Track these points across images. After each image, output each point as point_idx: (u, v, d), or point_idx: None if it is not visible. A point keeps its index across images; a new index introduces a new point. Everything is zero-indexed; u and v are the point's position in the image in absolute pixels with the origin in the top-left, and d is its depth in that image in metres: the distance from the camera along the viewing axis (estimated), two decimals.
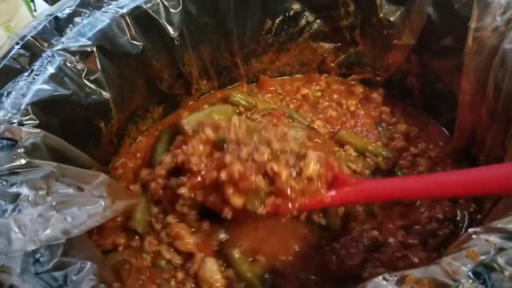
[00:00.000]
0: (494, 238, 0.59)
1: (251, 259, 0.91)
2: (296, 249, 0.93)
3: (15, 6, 1.72)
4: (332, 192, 0.84)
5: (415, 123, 1.16)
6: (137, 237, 0.92)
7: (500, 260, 0.56)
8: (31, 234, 0.63)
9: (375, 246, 0.93)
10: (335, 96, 1.21)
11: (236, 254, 0.90)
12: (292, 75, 1.26)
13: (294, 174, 0.83)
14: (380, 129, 1.15)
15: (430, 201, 0.98)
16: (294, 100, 1.20)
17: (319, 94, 1.22)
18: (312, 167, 0.82)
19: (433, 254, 0.91)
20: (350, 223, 0.96)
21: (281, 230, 0.95)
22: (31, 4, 1.85)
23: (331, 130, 1.14)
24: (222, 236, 0.93)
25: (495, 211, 0.78)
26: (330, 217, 0.96)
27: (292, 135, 0.90)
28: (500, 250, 0.57)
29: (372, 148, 1.09)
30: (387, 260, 0.90)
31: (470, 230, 0.62)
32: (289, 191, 0.82)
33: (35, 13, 1.85)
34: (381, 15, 1.07)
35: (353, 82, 1.25)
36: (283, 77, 1.26)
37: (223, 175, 0.82)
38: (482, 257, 0.57)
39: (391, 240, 0.93)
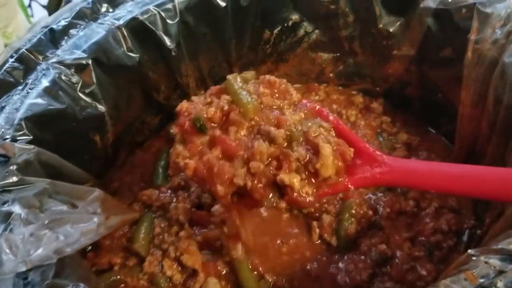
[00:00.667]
0: (493, 260, 0.58)
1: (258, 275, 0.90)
2: (304, 265, 0.92)
3: (12, 13, 1.72)
4: (356, 175, 0.76)
5: (416, 133, 1.15)
6: (134, 257, 0.90)
7: (500, 284, 0.55)
8: (23, 255, 0.62)
9: (383, 260, 0.92)
10: (335, 106, 1.20)
11: (245, 269, 0.89)
12: (291, 85, 1.24)
13: (307, 178, 0.75)
14: (381, 139, 1.14)
15: (434, 212, 0.98)
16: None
17: (318, 103, 1.21)
18: (330, 166, 0.73)
19: (441, 266, 0.90)
20: (359, 238, 0.95)
21: (289, 247, 0.95)
22: (28, 10, 1.85)
23: None
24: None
25: (495, 228, 0.77)
26: (341, 237, 0.95)
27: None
28: (500, 273, 0.56)
29: None
30: (396, 274, 0.89)
31: (470, 251, 0.61)
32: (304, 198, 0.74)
33: (32, 19, 1.84)
34: (380, 25, 1.06)
35: (353, 92, 1.24)
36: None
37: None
38: (481, 280, 0.56)
39: (398, 253, 0.92)
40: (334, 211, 0.98)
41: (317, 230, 0.96)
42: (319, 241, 0.96)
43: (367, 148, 0.79)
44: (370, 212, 0.98)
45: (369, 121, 1.18)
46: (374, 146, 1.11)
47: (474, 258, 0.60)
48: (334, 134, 0.79)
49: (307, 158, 0.74)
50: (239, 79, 0.83)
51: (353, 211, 0.97)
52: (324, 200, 0.99)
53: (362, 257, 0.92)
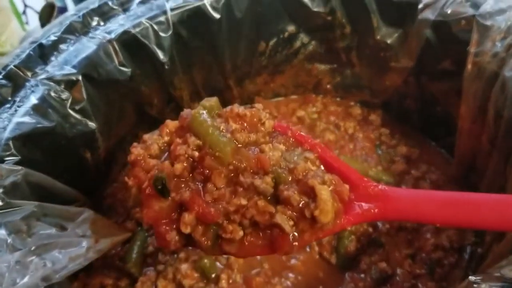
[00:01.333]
0: None
1: None
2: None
3: (6, 20, 1.69)
4: (352, 212, 0.66)
5: (416, 145, 1.13)
6: (126, 277, 0.88)
7: None
8: (8, 284, 0.60)
9: (383, 278, 0.90)
10: (332, 118, 1.19)
11: None
12: (287, 96, 1.23)
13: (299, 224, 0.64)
14: (380, 152, 1.13)
15: (435, 227, 0.96)
16: (290, 123, 1.17)
17: (315, 116, 1.19)
18: (330, 212, 0.62)
19: (443, 284, 0.88)
20: (359, 255, 0.94)
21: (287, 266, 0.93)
22: (23, 17, 1.83)
23: None
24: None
25: (497, 249, 0.75)
26: (340, 255, 0.93)
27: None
28: None
29: (373, 173, 1.06)
30: None
31: (471, 278, 0.60)
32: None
33: (26, 27, 1.82)
34: (378, 37, 1.05)
35: (351, 103, 1.22)
36: (278, 98, 1.24)
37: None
38: None
39: (399, 271, 0.91)
40: None
41: (316, 248, 0.94)
42: (318, 257, 0.94)
43: (361, 180, 0.69)
44: (370, 229, 0.96)
45: (368, 133, 1.16)
46: (373, 159, 1.10)
47: (475, 286, 0.58)
48: (322, 168, 0.69)
49: (301, 203, 0.62)
50: (206, 115, 0.69)
51: (353, 228, 0.95)
52: None
53: (362, 275, 0.90)
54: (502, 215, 0.63)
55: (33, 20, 1.86)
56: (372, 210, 0.67)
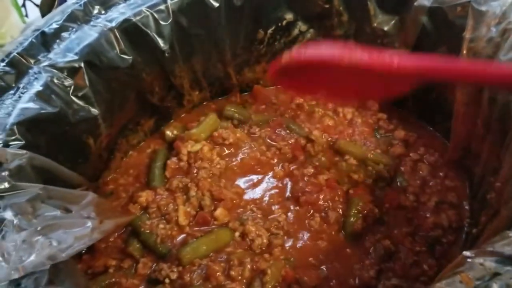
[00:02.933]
0: (489, 263, 0.58)
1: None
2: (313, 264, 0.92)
3: (6, 12, 1.70)
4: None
5: (413, 129, 1.14)
6: (129, 258, 0.90)
7: (495, 286, 0.55)
8: (15, 262, 0.61)
9: (388, 255, 0.92)
10: (331, 105, 1.19)
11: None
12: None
13: None
14: (378, 136, 1.14)
15: (434, 207, 0.98)
16: (289, 110, 1.18)
17: (313, 102, 1.20)
18: None
19: (442, 261, 0.90)
20: (364, 233, 0.96)
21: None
22: (22, 10, 1.84)
23: (329, 139, 1.11)
24: None
25: (490, 228, 0.76)
26: (348, 234, 0.96)
27: None
28: (495, 275, 0.56)
29: (372, 156, 1.07)
30: (400, 269, 0.89)
31: (465, 253, 0.61)
32: None
33: (26, 19, 1.83)
34: (375, 24, 1.06)
35: None
36: (278, 86, 1.24)
37: None
38: (477, 283, 0.56)
39: (401, 248, 0.92)
40: (340, 208, 0.99)
41: (324, 226, 0.96)
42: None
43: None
44: (376, 210, 0.98)
45: (366, 118, 1.17)
46: (371, 143, 1.12)
47: (469, 260, 0.59)
48: None
49: None
50: None
51: (359, 207, 0.97)
52: (329, 197, 1.00)
53: (368, 254, 0.92)
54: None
55: (33, 12, 1.86)
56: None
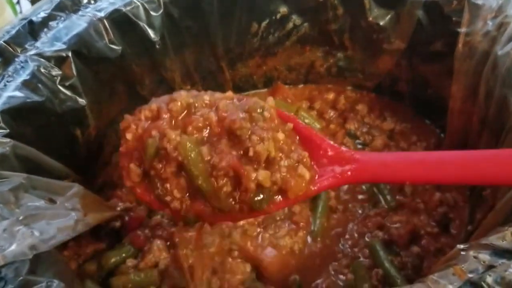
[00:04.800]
0: (483, 255, 0.57)
1: None
2: None
3: (0, 9, 1.69)
4: (323, 177, 0.70)
5: (408, 122, 1.14)
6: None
7: (489, 279, 0.54)
8: None
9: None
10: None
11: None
12: (280, 79, 1.22)
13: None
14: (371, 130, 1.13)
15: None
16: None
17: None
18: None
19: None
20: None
21: None
22: (17, 7, 1.83)
23: None
24: None
25: (485, 222, 0.75)
26: None
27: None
28: (489, 267, 0.55)
29: None
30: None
31: (459, 246, 0.60)
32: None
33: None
34: (370, 18, 1.04)
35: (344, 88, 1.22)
36: (298, 86, 1.24)
37: None
38: (470, 275, 0.55)
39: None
40: None
41: None
42: None
43: (332, 146, 0.73)
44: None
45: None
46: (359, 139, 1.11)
47: (463, 253, 0.58)
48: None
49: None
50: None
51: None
52: None
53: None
54: (466, 169, 0.66)
55: (27, 9, 1.85)
56: (345, 174, 0.70)
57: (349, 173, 0.70)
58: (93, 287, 0.78)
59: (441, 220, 0.93)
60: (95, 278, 0.82)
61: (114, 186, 0.99)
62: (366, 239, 0.92)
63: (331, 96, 1.20)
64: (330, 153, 0.72)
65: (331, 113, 1.16)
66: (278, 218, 0.94)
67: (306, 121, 1.10)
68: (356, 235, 0.93)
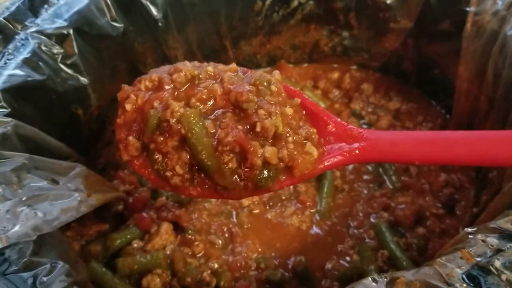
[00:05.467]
0: (491, 239, 0.56)
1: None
2: None
3: None
4: (330, 154, 0.67)
5: (413, 101, 1.14)
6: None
7: (497, 263, 0.53)
8: None
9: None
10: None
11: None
12: (284, 59, 1.21)
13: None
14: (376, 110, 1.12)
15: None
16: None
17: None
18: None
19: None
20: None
21: None
22: None
23: None
24: None
25: (491, 205, 0.75)
26: None
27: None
28: (498, 251, 0.55)
29: None
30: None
31: (466, 229, 0.59)
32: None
33: None
34: None
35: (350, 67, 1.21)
36: (303, 65, 1.23)
37: None
38: (478, 259, 0.54)
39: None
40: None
41: None
42: None
43: (341, 124, 0.70)
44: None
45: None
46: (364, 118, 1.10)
47: (470, 236, 0.58)
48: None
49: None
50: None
51: None
52: None
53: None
54: (477, 150, 0.63)
55: None
56: (353, 152, 0.67)
57: (357, 151, 0.67)
58: (98, 267, 0.78)
59: (446, 202, 0.93)
60: (99, 259, 0.81)
61: (117, 166, 0.99)
62: (372, 220, 0.92)
63: (335, 75, 1.19)
64: (337, 130, 0.68)
65: (336, 93, 1.15)
66: (284, 198, 0.94)
67: (314, 98, 1.10)
68: (361, 215, 0.93)
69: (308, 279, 0.85)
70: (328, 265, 0.86)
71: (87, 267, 0.75)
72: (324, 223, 0.93)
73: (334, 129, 0.69)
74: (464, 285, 0.52)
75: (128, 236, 0.84)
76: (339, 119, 0.69)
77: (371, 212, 0.93)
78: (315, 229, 0.92)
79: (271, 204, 0.93)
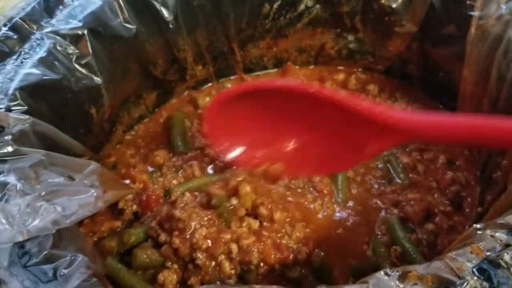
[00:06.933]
0: (500, 234, 0.58)
1: None
2: None
3: None
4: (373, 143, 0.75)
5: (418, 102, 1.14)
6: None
7: (507, 257, 0.55)
8: (19, 225, 0.60)
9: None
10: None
11: None
12: (290, 61, 1.23)
13: None
14: None
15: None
16: None
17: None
18: None
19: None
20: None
21: None
22: None
23: None
24: None
25: (497, 204, 0.76)
26: None
27: None
28: (506, 246, 0.56)
29: None
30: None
31: (475, 225, 0.61)
32: None
33: None
34: (383, 1, 1.05)
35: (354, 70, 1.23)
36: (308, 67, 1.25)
37: None
38: (488, 253, 0.56)
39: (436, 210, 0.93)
40: None
41: None
42: None
43: (382, 113, 0.75)
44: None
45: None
46: None
47: (479, 232, 0.59)
48: None
49: None
50: None
51: None
52: None
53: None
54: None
55: None
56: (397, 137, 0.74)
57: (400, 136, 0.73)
58: (114, 263, 0.79)
59: (454, 199, 0.94)
60: (113, 254, 0.82)
61: (127, 165, 1.00)
62: (383, 214, 0.94)
63: (341, 76, 1.20)
64: (370, 119, 0.74)
65: (342, 94, 1.16)
66: (299, 190, 0.95)
67: None
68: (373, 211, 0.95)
69: (324, 274, 0.86)
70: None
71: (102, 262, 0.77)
72: (344, 211, 0.94)
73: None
74: (475, 278, 0.53)
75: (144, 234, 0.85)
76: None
77: (382, 207, 0.95)
78: (338, 214, 0.94)
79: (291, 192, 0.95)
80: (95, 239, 0.86)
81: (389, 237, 0.88)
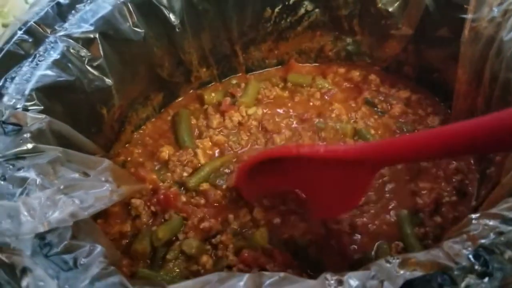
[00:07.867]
0: (493, 223, 0.60)
1: None
2: None
3: None
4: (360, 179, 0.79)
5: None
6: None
7: (500, 243, 0.57)
8: (40, 217, 0.63)
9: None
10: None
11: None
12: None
13: None
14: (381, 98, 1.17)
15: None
16: None
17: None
18: None
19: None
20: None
21: None
22: None
23: None
24: None
25: (491, 197, 0.80)
26: None
27: None
28: (500, 234, 0.59)
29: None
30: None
31: (470, 216, 0.64)
32: None
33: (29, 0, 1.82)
34: (380, 5, 1.08)
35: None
36: (313, 64, 1.28)
37: None
38: (482, 241, 0.59)
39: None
40: None
41: None
42: None
43: (339, 153, 0.80)
44: None
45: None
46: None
47: (474, 221, 0.62)
48: None
49: None
50: None
51: None
52: None
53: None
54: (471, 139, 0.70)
55: None
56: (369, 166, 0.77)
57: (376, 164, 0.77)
58: (146, 272, 0.86)
59: (460, 188, 0.98)
60: (146, 256, 0.90)
61: (136, 164, 1.03)
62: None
63: (342, 70, 1.24)
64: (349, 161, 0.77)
65: (346, 84, 1.21)
66: None
67: (326, 85, 1.18)
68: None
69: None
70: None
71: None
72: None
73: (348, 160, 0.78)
74: (471, 263, 0.57)
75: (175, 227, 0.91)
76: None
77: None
78: None
79: None
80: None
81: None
